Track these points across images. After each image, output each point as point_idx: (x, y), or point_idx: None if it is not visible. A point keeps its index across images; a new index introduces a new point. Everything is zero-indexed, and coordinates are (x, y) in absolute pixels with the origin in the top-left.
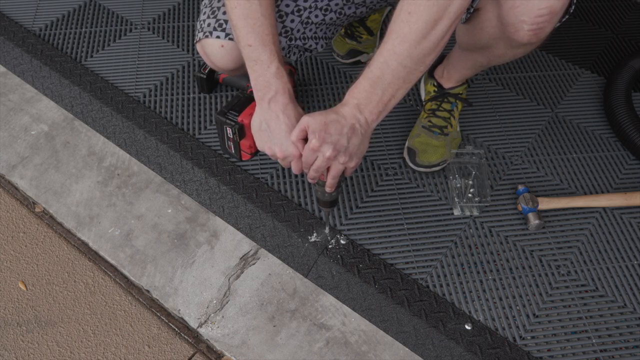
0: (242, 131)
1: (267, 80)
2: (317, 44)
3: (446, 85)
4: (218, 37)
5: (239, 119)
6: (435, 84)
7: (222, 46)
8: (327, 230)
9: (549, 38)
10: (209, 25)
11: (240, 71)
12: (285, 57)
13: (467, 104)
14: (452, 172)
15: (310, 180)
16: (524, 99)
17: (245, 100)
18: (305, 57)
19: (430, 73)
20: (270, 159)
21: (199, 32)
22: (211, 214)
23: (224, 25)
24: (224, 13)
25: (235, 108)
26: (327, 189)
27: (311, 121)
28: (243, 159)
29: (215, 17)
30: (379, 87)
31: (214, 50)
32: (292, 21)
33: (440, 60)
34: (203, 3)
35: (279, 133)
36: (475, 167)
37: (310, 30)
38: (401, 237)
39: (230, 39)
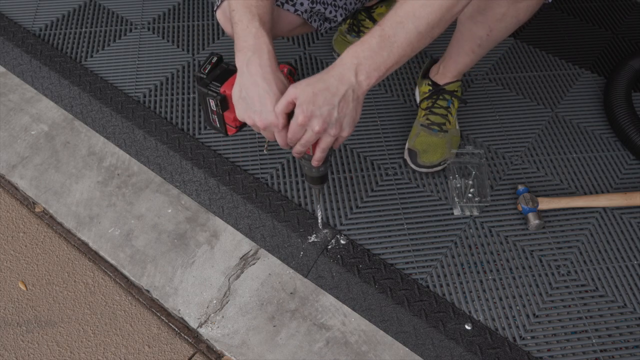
0: (225, 103)
1: (245, 41)
2: (337, 12)
3: (441, 81)
4: None
5: (222, 89)
6: (430, 82)
7: None
8: (319, 217)
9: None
10: None
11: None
12: (306, 23)
13: (463, 102)
14: (452, 172)
15: (296, 155)
16: (524, 99)
17: (229, 70)
18: (325, 29)
19: (425, 75)
20: (270, 159)
21: None
22: (211, 214)
23: None
24: None
25: (218, 78)
26: (315, 163)
27: (299, 93)
28: (229, 133)
29: None
30: (386, 48)
31: None
32: None
33: (435, 60)
34: None
35: (258, 101)
36: (475, 167)
37: None
38: (401, 237)
39: None
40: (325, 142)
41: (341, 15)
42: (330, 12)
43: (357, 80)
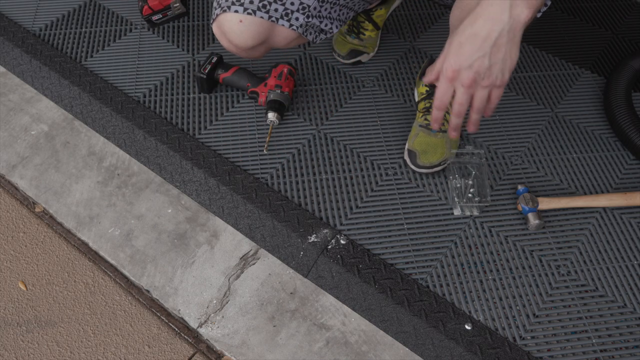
0: None
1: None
2: (332, 24)
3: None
4: (236, 11)
5: None
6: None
7: (241, 21)
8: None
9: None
10: (226, 0)
11: (257, 51)
12: (301, 36)
13: None
14: (452, 172)
15: (453, 135)
16: (524, 99)
17: None
18: (320, 40)
19: (422, 75)
20: (270, 159)
21: (215, 10)
22: (211, 214)
23: (242, 0)
24: None
25: None
26: (453, 133)
27: (446, 46)
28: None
29: None
30: None
31: (232, 27)
32: None
33: (432, 60)
34: None
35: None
36: (475, 167)
37: (326, 9)
38: (401, 237)
39: (249, 14)
40: (479, 99)
41: (336, 27)
42: (326, 24)
43: (511, 16)
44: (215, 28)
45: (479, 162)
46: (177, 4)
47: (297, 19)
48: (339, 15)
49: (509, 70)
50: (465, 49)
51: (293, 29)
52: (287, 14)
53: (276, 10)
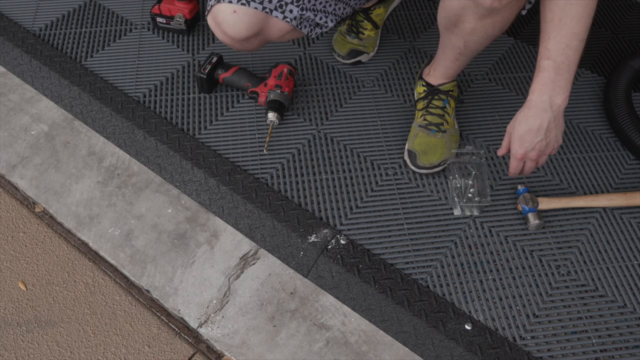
0: None
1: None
2: (327, 17)
3: (434, 82)
4: (230, 1)
5: None
6: (424, 83)
7: (235, 12)
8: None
9: (517, 17)
10: None
11: (251, 44)
12: (296, 29)
13: (459, 101)
14: (452, 172)
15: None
16: (524, 99)
17: None
18: (315, 34)
19: (420, 75)
20: (270, 159)
21: (210, 1)
22: (211, 214)
23: None
24: None
25: None
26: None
27: (511, 137)
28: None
29: None
30: (564, 71)
31: (226, 18)
32: None
33: (429, 61)
34: None
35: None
36: (475, 167)
37: (321, 3)
38: (401, 237)
39: (243, 4)
40: (542, 160)
41: (332, 20)
42: (321, 18)
43: (552, 108)
44: (209, 19)
45: (479, 162)
46: (180, 20)
47: (291, 11)
48: (334, 9)
49: (559, 141)
50: (526, 139)
51: (287, 21)
52: (281, 6)
53: (270, 1)
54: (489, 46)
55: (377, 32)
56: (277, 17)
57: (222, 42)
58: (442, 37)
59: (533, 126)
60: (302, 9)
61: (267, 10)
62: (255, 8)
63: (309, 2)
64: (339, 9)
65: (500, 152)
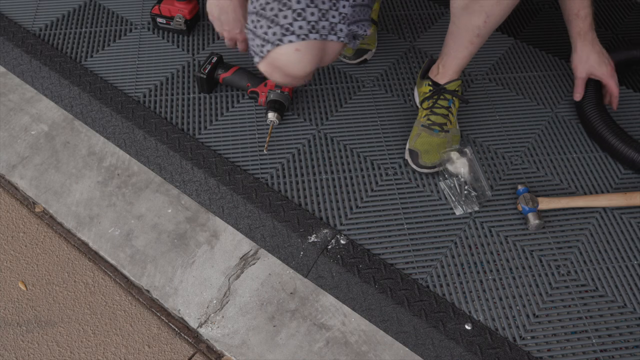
0: None
1: None
2: (365, 25)
3: (442, 81)
4: (291, 40)
5: None
6: (430, 82)
7: (297, 49)
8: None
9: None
10: (274, 34)
11: (309, 76)
12: (346, 46)
13: (464, 101)
14: (442, 175)
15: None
16: (524, 99)
17: None
18: (356, 46)
19: (424, 75)
20: (270, 159)
21: (263, 47)
22: (211, 214)
23: (292, 28)
24: (285, 17)
25: None
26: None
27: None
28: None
29: (277, 24)
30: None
31: (289, 59)
32: (344, 7)
33: (433, 61)
34: (249, 25)
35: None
36: (463, 165)
37: (357, 13)
38: (401, 237)
39: (303, 39)
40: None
41: (368, 27)
42: (360, 27)
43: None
44: (265, 66)
45: (466, 158)
46: (180, 21)
47: (341, 30)
48: (365, 15)
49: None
50: (603, 59)
51: (341, 41)
52: (332, 28)
53: (324, 27)
54: (489, 46)
55: (375, 28)
56: (332, 40)
57: (278, 83)
58: (456, 21)
59: (602, 50)
60: (348, 25)
61: (324, 36)
62: (315, 38)
63: (352, 16)
64: (367, 13)
65: (577, 96)
